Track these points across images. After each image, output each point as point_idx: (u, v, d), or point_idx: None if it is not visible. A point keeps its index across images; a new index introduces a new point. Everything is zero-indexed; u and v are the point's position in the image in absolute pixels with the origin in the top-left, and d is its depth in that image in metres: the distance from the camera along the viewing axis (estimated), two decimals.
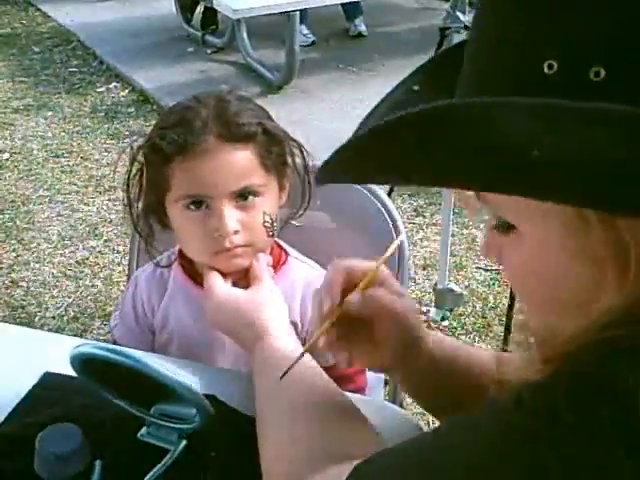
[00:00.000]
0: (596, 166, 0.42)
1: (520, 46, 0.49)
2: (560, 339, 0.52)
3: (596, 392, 0.48)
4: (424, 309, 2.38)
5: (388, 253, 0.83)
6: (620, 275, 0.48)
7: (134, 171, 1.07)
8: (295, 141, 1.10)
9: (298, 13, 3.77)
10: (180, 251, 1.14)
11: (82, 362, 0.85)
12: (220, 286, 1.03)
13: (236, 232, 1.02)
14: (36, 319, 2.40)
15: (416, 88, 0.60)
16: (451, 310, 2.37)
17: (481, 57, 0.52)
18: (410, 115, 0.47)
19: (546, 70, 0.47)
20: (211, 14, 4.60)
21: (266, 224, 1.03)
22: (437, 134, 0.47)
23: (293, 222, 1.13)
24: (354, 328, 0.85)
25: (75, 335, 2.29)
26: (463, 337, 2.29)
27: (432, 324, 2.34)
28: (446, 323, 2.34)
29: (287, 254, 1.16)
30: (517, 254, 0.55)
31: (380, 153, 0.49)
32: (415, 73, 0.63)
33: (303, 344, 1.14)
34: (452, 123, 0.46)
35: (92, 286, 2.56)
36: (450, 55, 0.61)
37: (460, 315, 2.38)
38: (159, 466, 0.85)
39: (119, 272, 2.56)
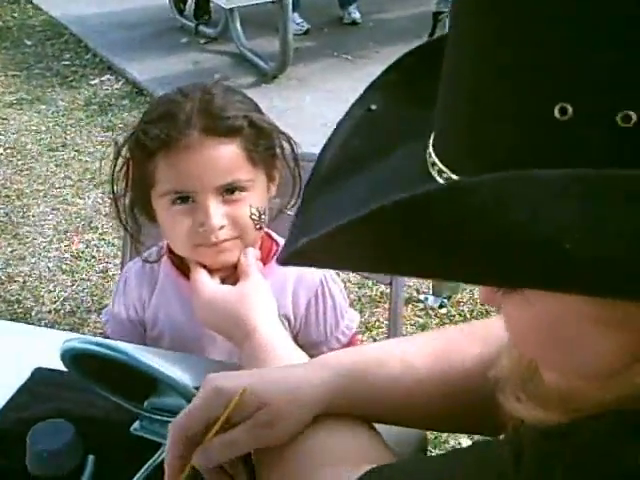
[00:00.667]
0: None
1: (521, 85, 0.39)
2: (573, 404, 0.47)
3: (598, 473, 0.43)
4: (422, 297, 2.38)
5: (232, 405, 0.71)
6: None
7: (120, 165, 1.06)
8: (283, 133, 1.08)
9: (290, 1, 3.75)
10: (169, 245, 1.13)
11: (73, 357, 0.85)
12: (206, 283, 1.02)
13: (222, 227, 1.01)
14: (32, 313, 2.40)
15: (373, 107, 0.54)
16: (449, 298, 2.36)
17: (462, 105, 0.43)
18: (401, 203, 0.38)
19: (557, 115, 0.37)
20: (204, 4, 4.57)
21: (253, 217, 1.02)
22: (433, 225, 0.38)
23: (285, 212, 1.12)
24: None
25: (72, 329, 2.29)
26: (462, 325, 2.29)
27: (430, 311, 2.33)
28: (444, 311, 2.34)
29: (278, 245, 1.15)
30: (522, 316, 0.47)
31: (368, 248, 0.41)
32: (370, 89, 0.55)
33: (295, 338, 1.13)
34: (452, 213, 0.37)
35: (88, 279, 2.55)
36: (410, 64, 0.55)
37: (458, 302, 2.37)
38: (152, 459, 0.85)
39: (115, 265, 2.55)
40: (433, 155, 0.45)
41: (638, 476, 0.41)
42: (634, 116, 0.36)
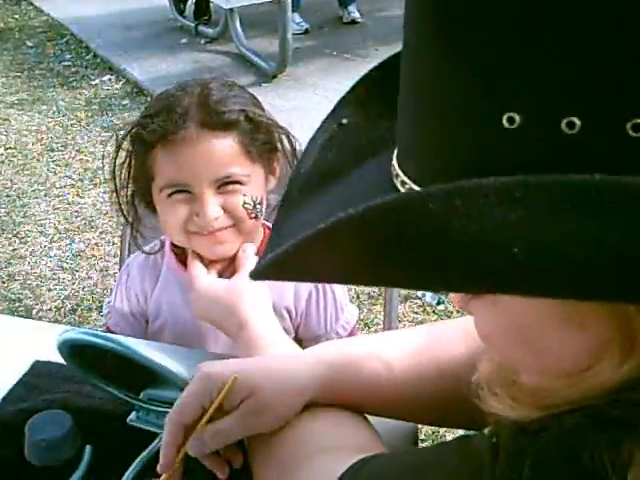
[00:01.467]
0: (588, 258, 0.35)
1: (470, 96, 0.40)
2: (546, 400, 0.48)
3: (559, 469, 0.45)
4: (420, 294, 2.39)
5: (223, 392, 0.73)
6: (623, 346, 0.43)
7: (122, 158, 1.07)
8: (282, 128, 1.09)
9: (290, 1, 3.76)
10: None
11: (70, 348, 0.86)
12: (201, 276, 1.04)
13: (217, 218, 1.02)
14: (33, 312, 2.41)
15: (345, 121, 0.55)
16: (447, 294, 2.37)
17: (417, 117, 0.44)
18: (362, 213, 0.39)
19: (506, 124, 0.38)
20: (203, 4, 4.59)
21: (246, 206, 1.03)
22: (390, 237, 0.39)
23: None
24: None
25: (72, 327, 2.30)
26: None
27: (428, 308, 2.34)
28: (442, 307, 2.35)
29: None
30: (489, 318, 0.49)
31: (327, 257, 0.43)
32: (341, 103, 0.57)
33: (295, 331, 1.15)
34: (402, 224, 0.38)
35: (88, 278, 2.56)
36: (377, 78, 0.56)
37: None
38: (148, 449, 0.86)
39: (115, 264, 2.56)
40: (396, 167, 0.47)
41: (594, 472, 0.43)
42: (578, 122, 0.37)
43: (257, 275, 0.47)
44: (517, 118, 0.38)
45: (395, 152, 0.48)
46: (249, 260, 1.05)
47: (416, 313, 2.33)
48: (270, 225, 1.15)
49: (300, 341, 1.13)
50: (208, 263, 1.07)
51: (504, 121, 0.38)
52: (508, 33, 0.38)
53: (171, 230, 1.07)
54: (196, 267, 1.05)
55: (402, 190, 0.45)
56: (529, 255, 0.36)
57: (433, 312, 2.33)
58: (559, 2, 0.37)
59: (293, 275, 0.50)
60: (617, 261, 0.35)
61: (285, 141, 1.10)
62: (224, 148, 1.02)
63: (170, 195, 1.03)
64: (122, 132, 1.07)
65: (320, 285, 1.14)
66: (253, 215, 1.04)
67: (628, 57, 0.36)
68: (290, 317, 1.14)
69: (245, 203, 1.03)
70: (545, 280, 0.37)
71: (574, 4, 0.37)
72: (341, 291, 1.18)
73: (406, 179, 0.45)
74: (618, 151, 0.37)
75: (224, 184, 1.02)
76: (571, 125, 0.37)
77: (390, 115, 0.48)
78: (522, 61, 0.38)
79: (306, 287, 1.14)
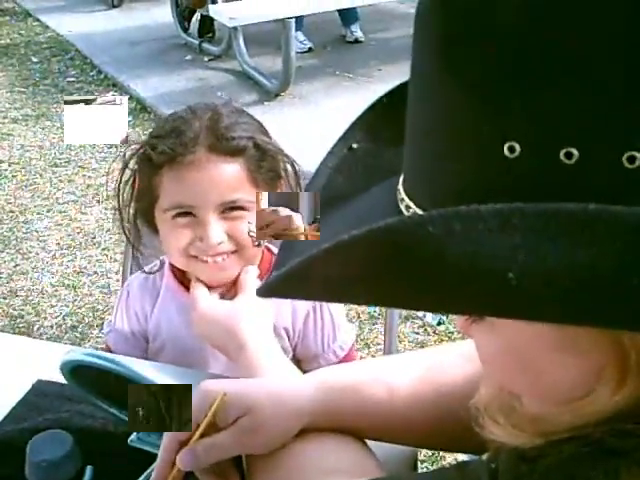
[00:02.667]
0: (580, 285, 0.36)
1: (473, 125, 0.41)
2: (547, 427, 0.48)
3: None
4: (420, 314, 2.39)
5: (213, 408, 0.73)
6: (616, 374, 0.44)
7: (127, 177, 1.08)
8: (287, 156, 1.10)
9: (294, 20, 3.79)
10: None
11: (72, 369, 0.86)
12: (202, 297, 1.04)
13: (221, 243, 1.03)
14: (35, 328, 2.41)
15: (355, 146, 0.56)
16: (448, 315, 2.37)
17: (422, 143, 0.45)
18: (360, 237, 0.40)
19: (507, 154, 0.40)
20: (208, 22, 4.63)
21: (251, 234, 1.04)
22: (391, 263, 0.40)
23: None
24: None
25: (73, 344, 2.30)
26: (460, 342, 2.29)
27: (429, 329, 2.34)
28: (443, 328, 2.34)
29: None
30: (489, 343, 0.50)
31: (324, 276, 0.44)
32: (352, 128, 0.58)
33: (293, 350, 1.15)
34: (404, 252, 0.39)
35: (90, 295, 2.57)
36: (389, 102, 0.57)
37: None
38: (148, 470, 0.86)
39: (117, 280, 2.57)
40: (402, 191, 0.48)
41: None
42: (576, 152, 0.38)
43: (263, 293, 0.48)
44: (517, 147, 0.39)
45: (401, 177, 0.49)
46: (251, 283, 1.05)
47: (417, 333, 2.33)
48: (270, 247, 1.16)
49: (298, 362, 1.14)
50: (209, 286, 1.08)
51: (505, 150, 0.39)
52: (510, 66, 0.39)
53: (172, 253, 1.08)
54: (198, 288, 1.05)
55: (406, 214, 0.46)
56: (523, 280, 0.36)
57: (434, 332, 2.33)
58: (558, 40, 0.38)
59: (296, 293, 0.51)
60: (610, 289, 0.36)
61: (289, 169, 1.10)
62: (231, 173, 1.02)
63: (174, 217, 1.04)
64: (129, 150, 1.08)
65: (317, 305, 1.15)
66: (257, 243, 1.05)
67: (626, 92, 0.38)
68: (288, 337, 1.15)
69: (251, 231, 1.04)
70: (537, 305, 0.38)
71: (572, 42, 0.38)
72: (338, 312, 1.19)
73: (411, 203, 0.46)
74: (614, 182, 0.38)
75: (229, 209, 1.03)
76: (569, 155, 0.38)
77: (399, 141, 0.49)
78: (523, 93, 0.39)
79: (304, 307, 1.15)
